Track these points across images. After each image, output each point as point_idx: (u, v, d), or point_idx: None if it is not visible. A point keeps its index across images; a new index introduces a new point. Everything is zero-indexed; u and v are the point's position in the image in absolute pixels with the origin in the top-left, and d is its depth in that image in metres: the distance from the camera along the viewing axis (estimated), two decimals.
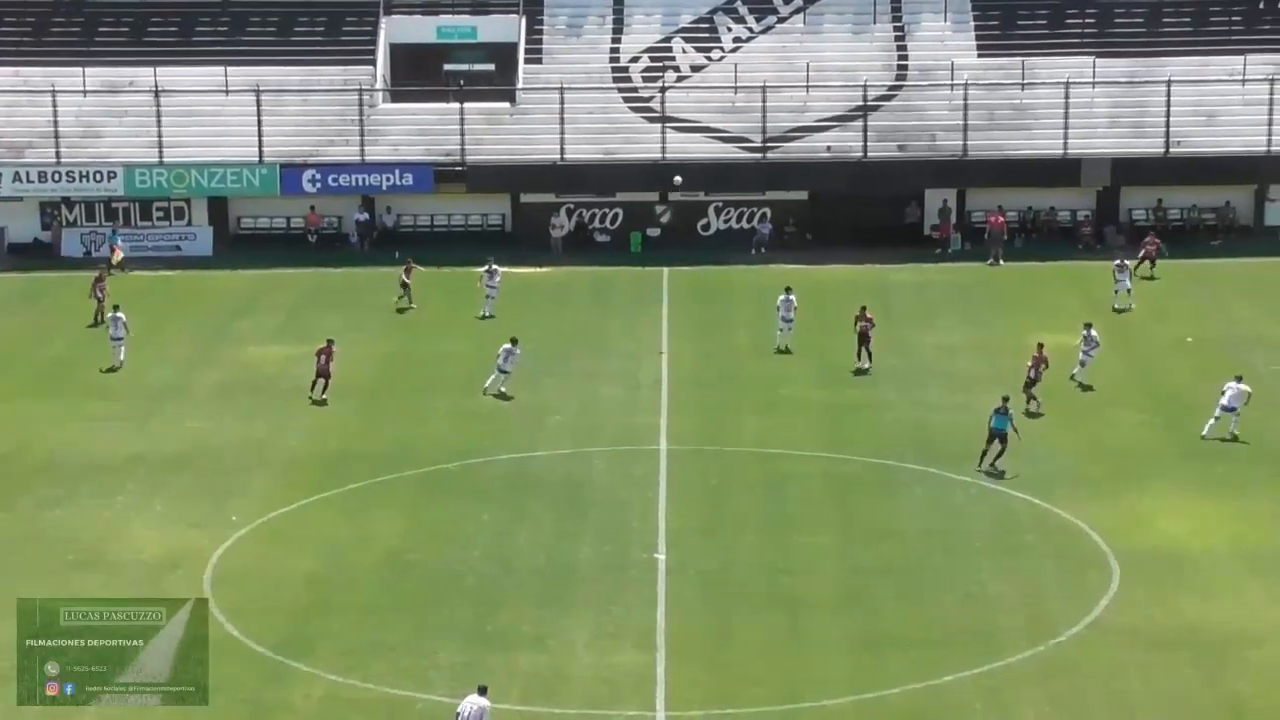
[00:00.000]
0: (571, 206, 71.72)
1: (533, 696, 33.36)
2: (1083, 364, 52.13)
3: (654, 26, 75.50)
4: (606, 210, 71.97)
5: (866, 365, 53.65)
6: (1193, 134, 70.87)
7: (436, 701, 32.97)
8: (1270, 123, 69.91)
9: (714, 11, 75.66)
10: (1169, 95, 70.32)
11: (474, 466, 46.11)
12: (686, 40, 74.89)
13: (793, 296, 56.39)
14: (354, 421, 49.87)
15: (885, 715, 33.08)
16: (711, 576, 39.08)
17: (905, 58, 74.06)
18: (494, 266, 61.22)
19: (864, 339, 53.69)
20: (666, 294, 64.24)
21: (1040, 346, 49.85)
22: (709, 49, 74.64)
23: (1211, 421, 47.55)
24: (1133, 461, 46.12)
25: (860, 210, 70.55)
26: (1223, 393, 47.72)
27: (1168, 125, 70.38)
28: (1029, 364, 49.57)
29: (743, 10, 75.64)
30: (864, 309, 54.21)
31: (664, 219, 71.80)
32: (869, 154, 70.89)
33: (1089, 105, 71.55)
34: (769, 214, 71.45)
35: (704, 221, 72.03)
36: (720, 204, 71.84)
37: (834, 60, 73.83)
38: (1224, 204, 71.45)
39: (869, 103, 71.52)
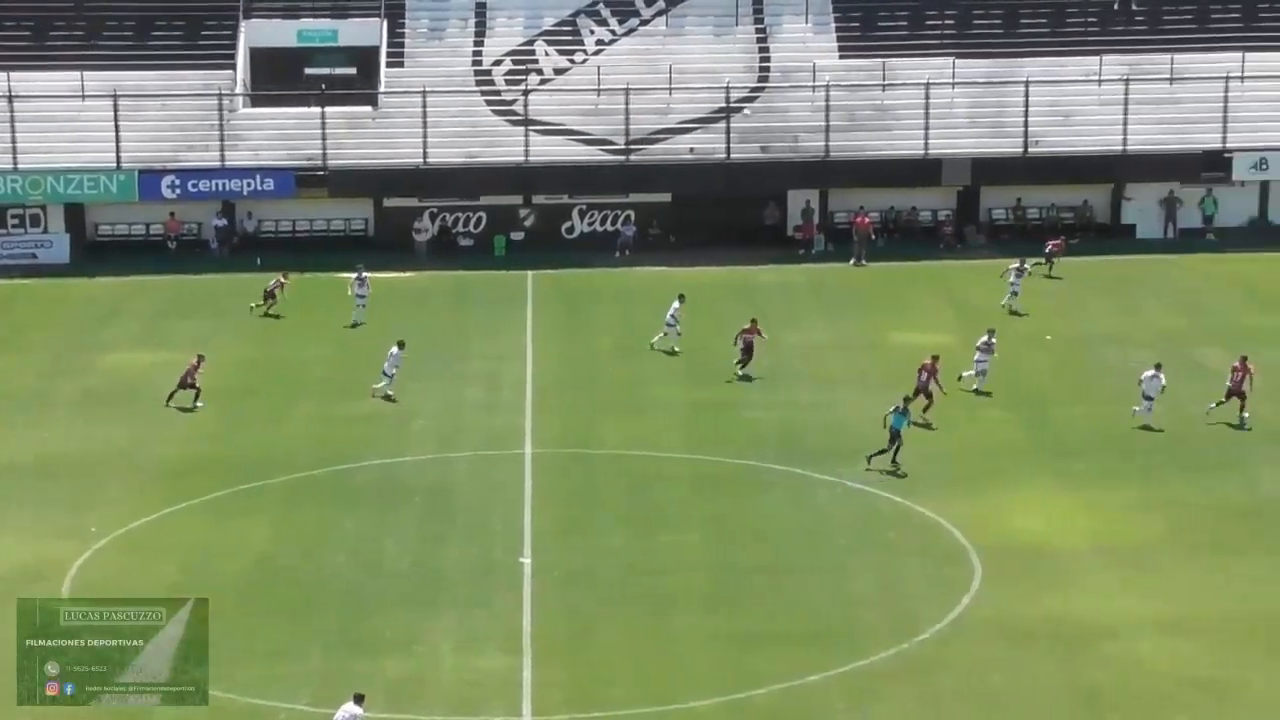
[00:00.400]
0: (435, 210, 71.48)
1: (399, 702, 33.22)
2: (978, 373, 51.76)
3: (516, 29, 75.41)
4: (470, 214, 71.79)
5: (742, 372, 53.48)
6: (1051, 134, 71.74)
7: (301, 711, 32.77)
8: (1126, 123, 70.86)
9: (576, 14, 75.67)
10: (1027, 96, 71.14)
11: (340, 472, 45.86)
12: (549, 43, 74.88)
13: (678, 303, 56.51)
14: (218, 428, 49.44)
15: (751, 715, 33.22)
16: (577, 579, 39.10)
17: (767, 59, 74.44)
18: (364, 274, 60.89)
19: (749, 351, 53.55)
20: (531, 297, 64.17)
21: (935, 359, 49.57)
22: (571, 51, 74.67)
23: (1137, 409, 48.50)
24: (993, 458, 46.61)
25: (724, 212, 70.82)
26: (1140, 382, 48.51)
27: (1026, 125, 71.20)
28: (921, 374, 49.12)
29: (605, 13, 75.71)
30: (754, 321, 54.14)
31: (527, 222, 71.74)
32: (732, 155, 71.19)
33: (949, 106, 72.25)
34: (633, 216, 71.58)
35: (568, 224, 72.04)
36: (584, 207, 71.85)
37: (696, 62, 74.09)
38: (1082, 203, 72.38)
39: (731, 104, 71.82)
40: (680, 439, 48.48)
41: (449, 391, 52.52)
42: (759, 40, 75.22)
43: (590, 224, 72.06)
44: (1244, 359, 49.47)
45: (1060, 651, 35.44)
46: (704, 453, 47.29)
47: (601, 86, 72.24)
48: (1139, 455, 46.69)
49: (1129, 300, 61.44)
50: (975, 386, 51.50)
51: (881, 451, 45.21)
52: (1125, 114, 70.87)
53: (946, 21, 75.86)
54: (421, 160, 70.66)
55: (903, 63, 73.67)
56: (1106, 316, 60.32)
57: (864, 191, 71.07)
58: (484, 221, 71.68)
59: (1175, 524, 42.04)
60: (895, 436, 45.17)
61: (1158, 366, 49.02)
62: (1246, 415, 48.61)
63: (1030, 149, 71.30)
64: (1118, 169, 71.49)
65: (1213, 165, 70.94)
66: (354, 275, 60.93)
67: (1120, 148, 71.13)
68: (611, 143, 71.46)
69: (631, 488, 44.91)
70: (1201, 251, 68.37)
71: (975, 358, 51.78)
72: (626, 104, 70.95)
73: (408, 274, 67.04)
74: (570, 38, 75.05)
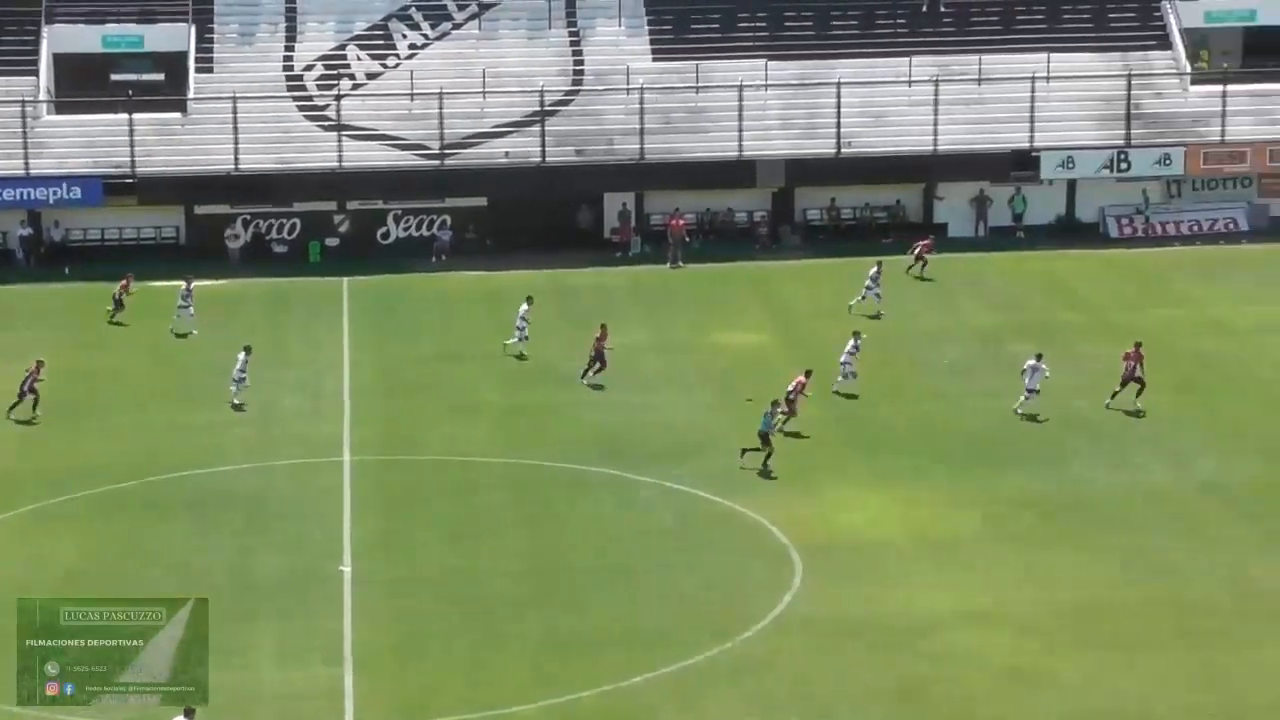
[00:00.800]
0: (248, 217, 70.61)
1: (221, 715, 32.64)
2: (844, 376, 51.83)
3: (328, 34, 74.70)
4: (284, 220, 71.01)
5: (584, 379, 53.28)
6: (863, 135, 72.42)
7: None
8: (936, 123, 71.70)
9: (388, 18, 75.11)
10: (839, 97, 71.74)
11: (155, 483, 45.18)
12: (361, 48, 74.25)
13: (526, 306, 56.36)
14: (27, 441, 48.47)
15: (577, 718, 33.19)
16: (399, 586, 38.83)
17: (581, 63, 74.43)
18: (190, 284, 60.03)
19: (600, 358, 53.31)
20: (347, 304, 63.64)
21: (808, 373, 49.27)
22: (384, 56, 74.11)
23: (1022, 398, 49.19)
24: (811, 457, 46.95)
25: (540, 215, 70.69)
26: (1023, 373, 49.19)
27: (839, 126, 71.79)
28: (791, 389, 48.55)
29: (417, 17, 75.23)
30: (604, 327, 53.95)
31: (342, 228, 71.13)
32: (547, 159, 71.09)
33: (762, 107, 72.68)
34: (449, 221, 71.22)
35: (383, 230, 71.52)
36: (399, 212, 71.36)
37: (510, 66, 73.89)
38: (895, 203, 73.13)
39: (546, 108, 71.73)
40: (502, 443, 48.33)
41: (267, 400, 51.90)
42: (572, 43, 75.19)
43: (406, 229, 71.59)
44: (1137, 345, 50.52)
45: (880, 646, 35.83)
46: (526, 456, 47.18)
47: (415, 91, 71.77)
48: (954, 451, 47.26)
49: (943, 298, 62.17)
50: (836, 389, 51.73)
51: (755, 450, 45.35)
52: (935, 114, 71.71)
53: (758, 24, 76.30)
54: (233, 166, 69.80)
55: (716, 65, 73.98)
56: (922, 314, 60.98)
57: (679, 194, 71.26)
58: (298, 228, 70.92)
59: (990, 519, 42.66)
60: (765, 439, 45.31)
61: (1039, 357, 49.73)
62: (1141, 406, 49.66)
63: (843, 150, 71.91)
64: (929, 169, 72.33)
65: (1021, 164, 72.01)
66: (182, 284, 60.04)
67: (931, 148, 71.97)
68: (426, 147, 71.06)
69: (453, 493, 44.70)
70: (1011, 249, 69.34)
71: (841, 359, 52.06)
72: (440, 108, 70.59)
73: (221, 282, 66.11)
74: (382, 42, 74.48)
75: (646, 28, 75.90)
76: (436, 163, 70.93)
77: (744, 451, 45.59)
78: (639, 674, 34.58)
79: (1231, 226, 72.55)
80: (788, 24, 76.39)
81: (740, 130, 71.31)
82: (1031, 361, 49.54)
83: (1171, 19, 76.14)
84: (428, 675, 34.75)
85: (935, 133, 71.80)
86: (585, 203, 72.03)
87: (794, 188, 72.42)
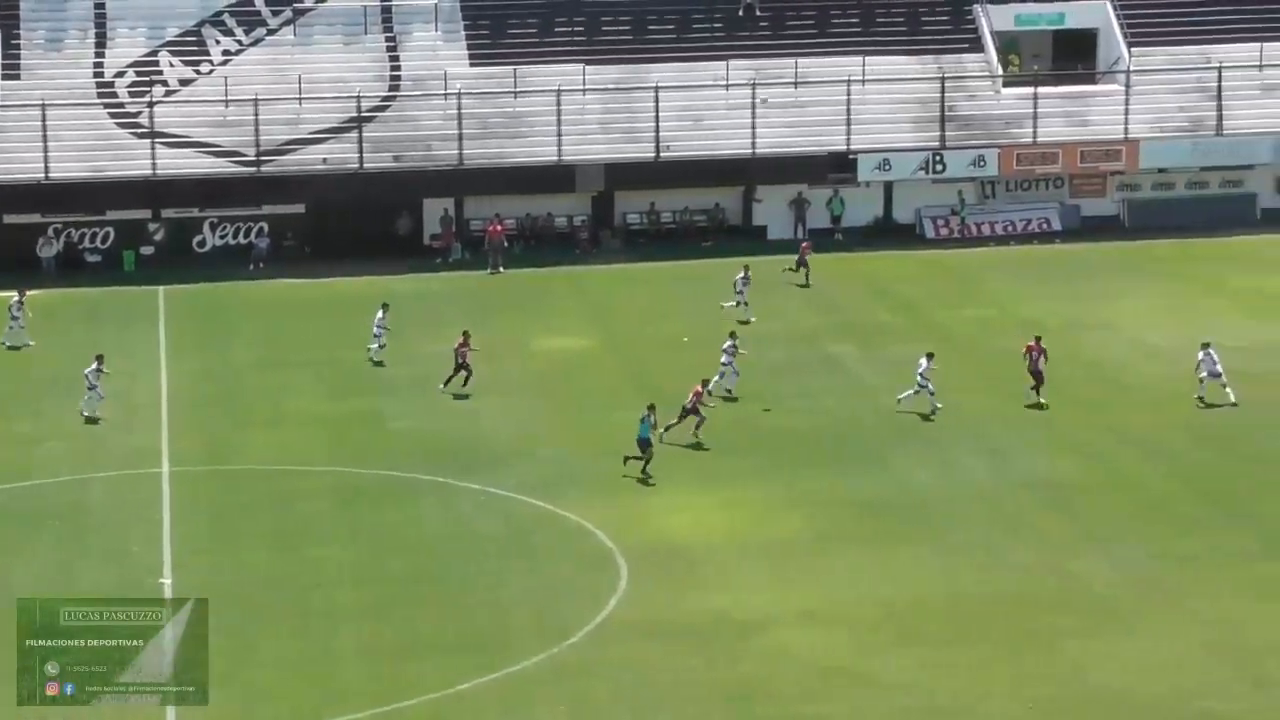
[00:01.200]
0: (60, 226, 69.42)
1: None
2: (721, 375, 51.82)
3: (139, 40, 73.58)
4: (97, 229, 69.91)
5: (448, 386, 52.80)
6: (682, 138, 72.70)
7: None
8: (754, 126, 72.17)
9: (201, 24, 74.11)
10: (657, 101, 71.96)
11: None
12: (173, 54, 73.22)
13: (382, 313, 55.94)
14: None
15: None
16: (222, 597, 38.09)
17: (398, 68, 73.99)
18: (23, 296, 58.88)
19: (464, 365, 52.75)
20: (163, 313, 62.75)
21: (705, 382, 49.12)
22: (197, 62, 73.12)
23: (910, 393, 49.60)
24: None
25: (360, 222, 70.24)
26: (918, 367, 49.64)
27: (657, 130, 72.02)
28: (689, 401, 48.13)
29: (230, 23, 74.33)
30: (466, 334, 53.41)
31: (157, 237, 70.13)
32: (365, 165, 70.61)
33: (581, 112, 72.71)
34: (266, 228, 70.52)
35: (199, 238, 70.64)
36: (216, 219, 70.54)
37: (326, 72, 73.26)
38: (714, 206, 73.48)
39: (363, 114, 71.24)
40: (324, 452, 47.92)
41: (80, 411, 50.98)
42: (389, 49, 74.69)
43: (223, 237, 70.77)
44: (1037, 339, 51.27)
45: (708, 648, 35.93)
46: (348, 465, 46.81)
47: (230, 98, 70.97)
48: (779, 453, 47.50)
49: (766, 300, 62.45)
50: (718, 388, 51.64)
51: (637, 458, 45.25)
52: (753, 118, 72.18)
53: (576, 28, 76.31)
54: (43, 175, 68.57)
55: (534, 70, 73.90)
56: (741, 315, 61.19)
57: (499, 199, 71.12)
58: (112, 237, 69.86)
59: (816, 518, 42.96)
60: (645, 445, 45.21)
61: (929, 356, 50.13)
62: (1039, 399, 50.52)
63: (662, 154, 72.14)
64: (748, 171, 72.78)
65: (839, 167, 72.69)
66: (14, 297, 58.84)
67: (749, 151, 72.42)
68: (242, 154, 70.28)
69: (275, 503, 44.23)
70: (831, 251, 69.88)
71: (722, 360, 52.09)
72: (256, 115, 69.86)
73: (33, 292, 64.75)
74: (195, 48, 73.49)
75: (463, 33, 75.61)
76: (253, 170, 70.18)
77: (627, 459, 45.46)
78: (465, 681, 34.41)
79: (1044, 226, 73.77)
80: (605, 28, 76.47)
81: (559, 135, 71.32)
82: (924, 362, 50.00)
83: (983, 22, 77.24)
84: (255, 685, 34.31)
85: (753, 136, 72.26)
86: (404, 209, 71.63)
87: (614, 192, 72.55)
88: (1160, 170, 75.02)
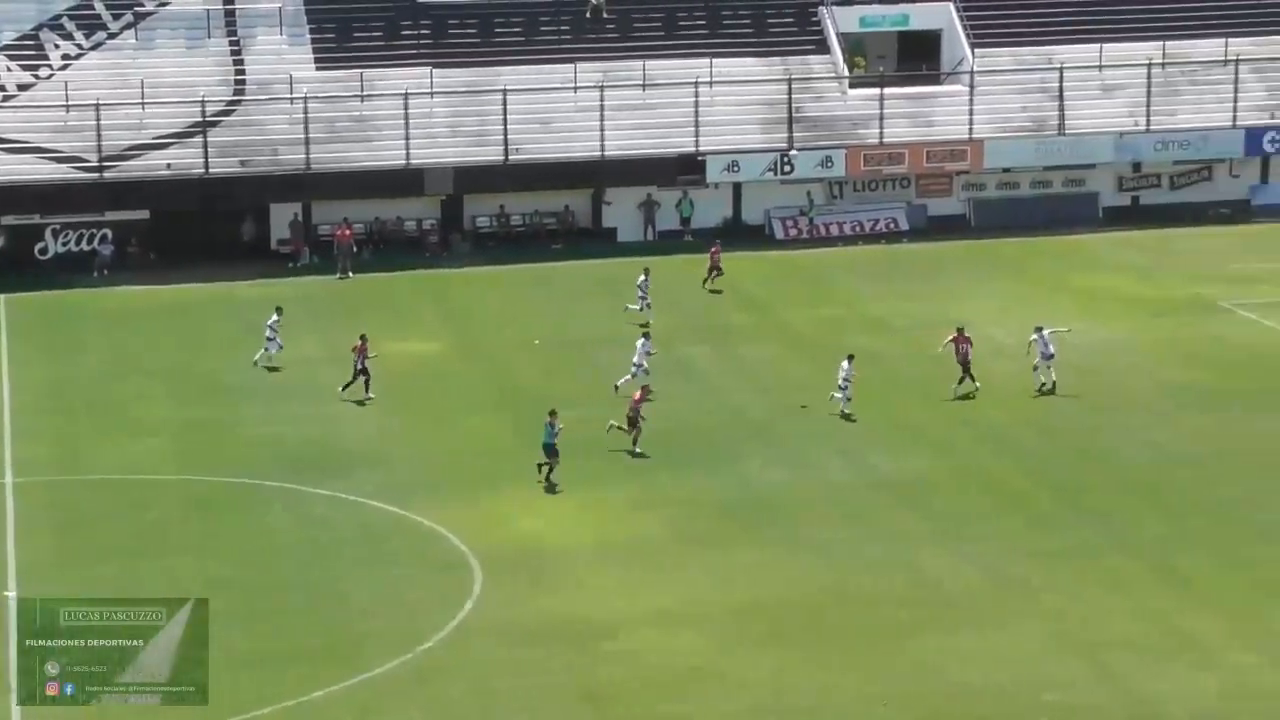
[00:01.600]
0: None
1: None
2: (634, 375, 51.60)
3: None
4: None
5: (347, 391, 52.19)
6: (530, 141, 72.55)
7: None
8: (603, 129, 72.21)
9: (39, 28, 72.88)
10: (505, 104, 71.79)
11: None
12: (11, 58, 71.96)
13: (276, 316, 55.33)
14: None
15: None
16: None
17: (243, 72, 73.20)
18: None
19: (364, 371, 52.06)
20: (4, 321, 61.69)
21: (645, 389, 48.68)
22: (36, 67, 71.93)
23: (840, 396, 50.01)
24: (488, 463, 46.89)
25: (206, 228, 69.49)
26: (840, 370, 49.99)
27: (506, 133, 71.85)
28: (631, 407, 47.83)
29: (70, 27, 73.20)
30: (363, 338, 52.73)
31: None
32: (210, 170, 69.84)
33: (429, 115, 72.36)
34: (110, 235, 69.55)
35: (41, 245, 69.52)
36: (58, 226, 69.45)
37: (169, 76, 72.35)
38: (564, 208, 73.41)
39: (208, 118, 70.46)
40: (174, 460, 47.36)
41: None
42: (233, 53, 73.89)
43: (65, 244, 69.70)
44: (960, 330, 51.96)
45: (564, 651, 35.89)
46: (198, 473, 46.29)
47: (71, 103, 69.91)
48: (634, 454, 47.47)
49: (616, 302, 62.48)
50: (618, 385, 51.65)
51: (544, 462, 45.04)
52: (602, 120, 72.21)
53: (422, 31, 75.90)
54: None
55: (380, 73, 73.42)
56: (594, 319, 61.26)
57: (347, 203, 70.60)
58: None
59: (671, 520, 43.02)
60: (551, 452, 44.91)
61: (850, 358, 50.35)
62: (975, 386, 51.39)
63: (511, 156, 71.97)
64: (597, 174, 72.78)
65: (687, 168, 72.87)
66: None
67: (599, 153, 72.43)
68: (84, 160, 69.25)
69: (123, 513, 43.65)
70: (681, 253, 69.98)
71: (634, 359, 52.05)
72: (98, 120, 68.87)
73: None
74: (34, 53, 72.29)
75: (309, 37, 74.97)
76: (96, 175, 69.19)
77: (540, 466, 45.18)
78: (319, 689, 34.14)
79: (892, 226, 74.38)
80: (452, 31, 76.15)
81: (407, 138, 70.95)
82: (845, 365, 50.23)
83: (829, 24, 77.74)
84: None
85: (602, 138, 72.29)
86: (250, 214, 70.93)
87: (463, 195, 72.29)
88: (1005, 170, 75.95)
